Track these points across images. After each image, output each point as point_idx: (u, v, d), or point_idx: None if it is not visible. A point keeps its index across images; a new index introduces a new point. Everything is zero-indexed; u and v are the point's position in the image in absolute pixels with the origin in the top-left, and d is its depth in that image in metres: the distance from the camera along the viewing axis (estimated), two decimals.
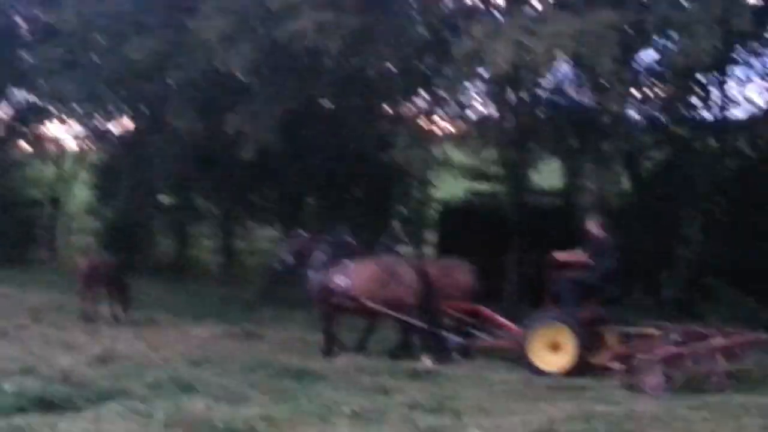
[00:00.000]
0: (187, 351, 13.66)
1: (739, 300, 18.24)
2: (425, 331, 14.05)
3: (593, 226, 14.24)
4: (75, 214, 32.61)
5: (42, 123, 31.58)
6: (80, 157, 31.78)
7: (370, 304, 14.17)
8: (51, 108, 28.75)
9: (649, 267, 19.81)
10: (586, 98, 21.26)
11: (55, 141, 32.43)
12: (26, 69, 26.95)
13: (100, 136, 28.91)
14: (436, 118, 21.71)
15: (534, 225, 20.86)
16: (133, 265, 19.61)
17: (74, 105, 24.84)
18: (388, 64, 19.16)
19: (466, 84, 19.00)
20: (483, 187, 25.01)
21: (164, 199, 29.28)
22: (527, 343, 13.41)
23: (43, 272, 25.69)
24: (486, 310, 14.90)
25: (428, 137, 20.67)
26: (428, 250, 26.59)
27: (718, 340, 12.47)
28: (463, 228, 23.76)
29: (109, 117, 26.82)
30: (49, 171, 32.13)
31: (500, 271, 20.44)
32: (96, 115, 25.69)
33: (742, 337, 12.89)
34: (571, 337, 13.17)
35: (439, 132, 21.92)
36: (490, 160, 22.07)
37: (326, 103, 24.08)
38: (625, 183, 21.86)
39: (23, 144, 32.58)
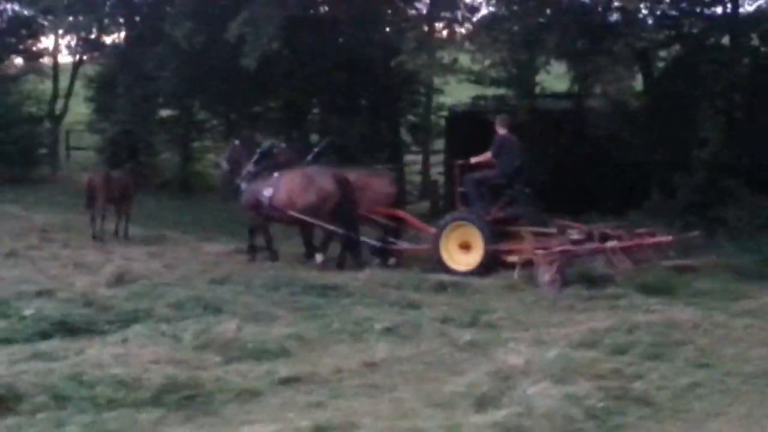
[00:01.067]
0: (204, 269, 13.35)
1: (756, 202, 17.95)
2: (342, 235, 14.47)
3: (500, 126, 14.57)
4: (74, 129, 32.15)
5: (36, 37, 30.99)
6: (76, 71, 31.13)
7: (290, 212, 14.62)
8: (44, 21, 28.22)
9: (665, 170, 19.45)
10: None
11: (50, 55, 31.84)
12: None
13: (96, 48, 28.31)
14: (440, 21, 21.01)
15: (544, 129, 20.45)
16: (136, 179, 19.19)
17: (67, 17, 24.25)
18: None
19: None
20: (490, 92, 24.41)
21: (165, 112, 28.72)
22: (438, 243, 13.83)
23: (47, 190, 25.21)
24: (404, 214, 15.41)
25: (434, 41, 20.03)
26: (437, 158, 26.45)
27: (618, 241, 12.80)
28: (471, 134, 23.24)
29: (103, 28, 26.22)
30: (45, 86, 31.52)
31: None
32: (90, 27, 25.13)
33: (646, 239, 13.27)
34: (477, 235, 13.53)
35: (444, 36, 21.17)
36: (496, 64, 21.46)
37: (328, 8, 23.42)
38: (638, 84, 21.34)
39: (18, 59, 31.96)
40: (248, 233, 15.46)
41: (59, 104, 31.06)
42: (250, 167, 15.71)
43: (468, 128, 23.60)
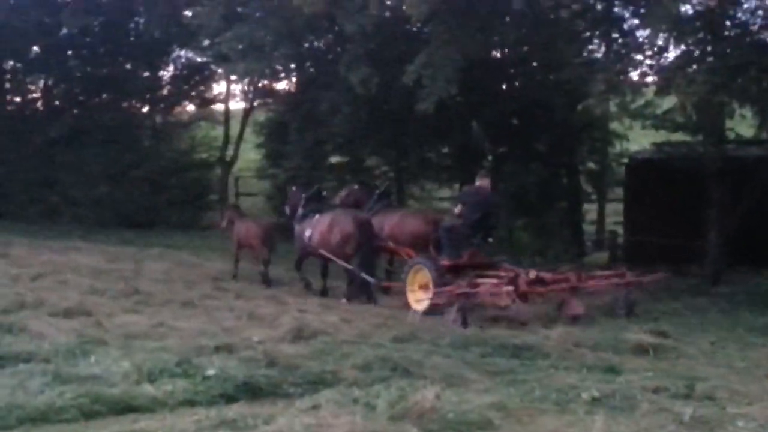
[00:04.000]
0: (383, 323, 12.76)
1: None
2: (356, 274, 15.76)
3: (479, 180, 15.84)
4: (243, 176, 32.33)
5: (208, 84, 31.39)
6: (247, 117, 31.36)
7: (321, 251, 16.29)
8: (216, 67, 28.49)
9: None
10: None
11: (222, 101, 32.19)
12: (190, 28, 26.53)
13: (267, 94, 28.39)
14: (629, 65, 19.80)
15: (735, 177, 19.05)
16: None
17: (239, 63, 24.25)
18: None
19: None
20: (674, 137, 23.02)
21: (334, 158, 28.45)
22: (406, 285, 14.94)
23: (217, 236, 25.28)
24: (408, 252, 16.25)
25: (625, 84, 18.89)
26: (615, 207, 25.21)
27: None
28: (654, 182, 22.02)
29: (275, 74, 26.18)
30: (216, 133, 31.87)
31: (696, 229, 18.80)
32: (262, 72, 25.06)
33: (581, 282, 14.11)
34: (430, 279, 14.30)
35: (633, 78, 19.96)
36: (686, 107, 20.17)
37: (507, 50, 22.64)
38: None
39: (190, 106, 32.49)
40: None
41: (230, 150, 31.30)
42: (299, 211, 17.55)
43: (650, 176, 22.37)
